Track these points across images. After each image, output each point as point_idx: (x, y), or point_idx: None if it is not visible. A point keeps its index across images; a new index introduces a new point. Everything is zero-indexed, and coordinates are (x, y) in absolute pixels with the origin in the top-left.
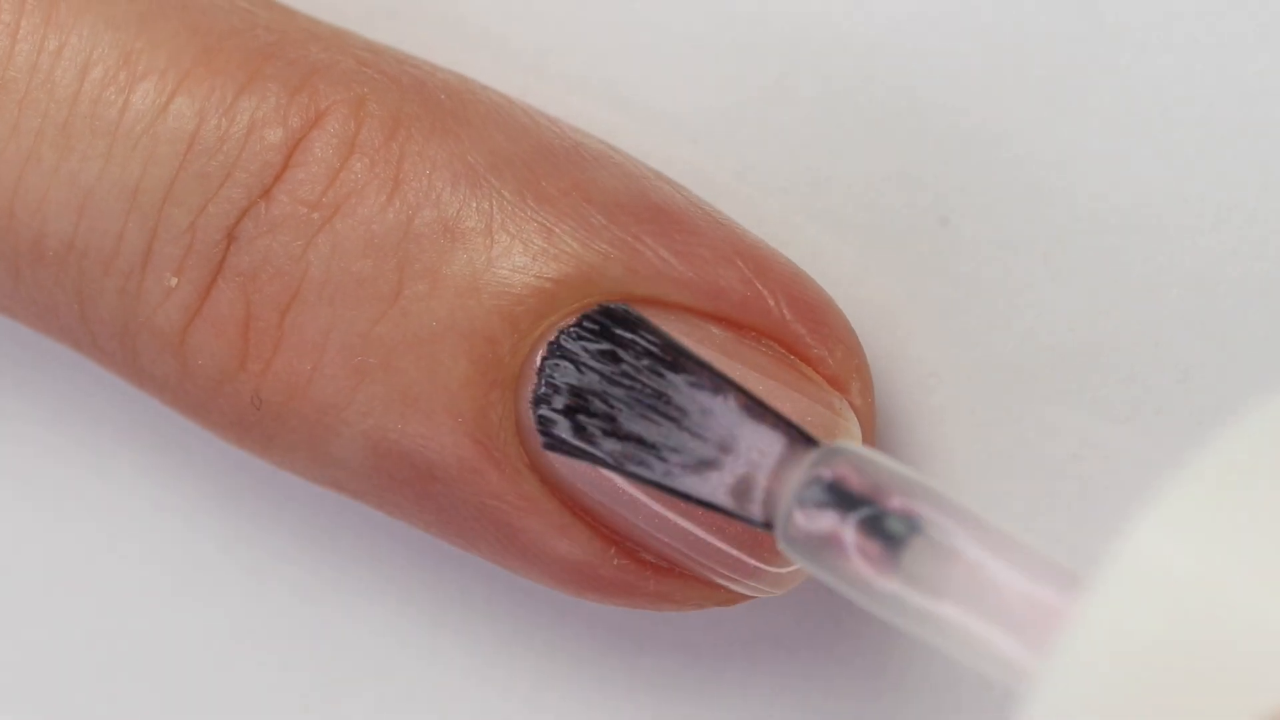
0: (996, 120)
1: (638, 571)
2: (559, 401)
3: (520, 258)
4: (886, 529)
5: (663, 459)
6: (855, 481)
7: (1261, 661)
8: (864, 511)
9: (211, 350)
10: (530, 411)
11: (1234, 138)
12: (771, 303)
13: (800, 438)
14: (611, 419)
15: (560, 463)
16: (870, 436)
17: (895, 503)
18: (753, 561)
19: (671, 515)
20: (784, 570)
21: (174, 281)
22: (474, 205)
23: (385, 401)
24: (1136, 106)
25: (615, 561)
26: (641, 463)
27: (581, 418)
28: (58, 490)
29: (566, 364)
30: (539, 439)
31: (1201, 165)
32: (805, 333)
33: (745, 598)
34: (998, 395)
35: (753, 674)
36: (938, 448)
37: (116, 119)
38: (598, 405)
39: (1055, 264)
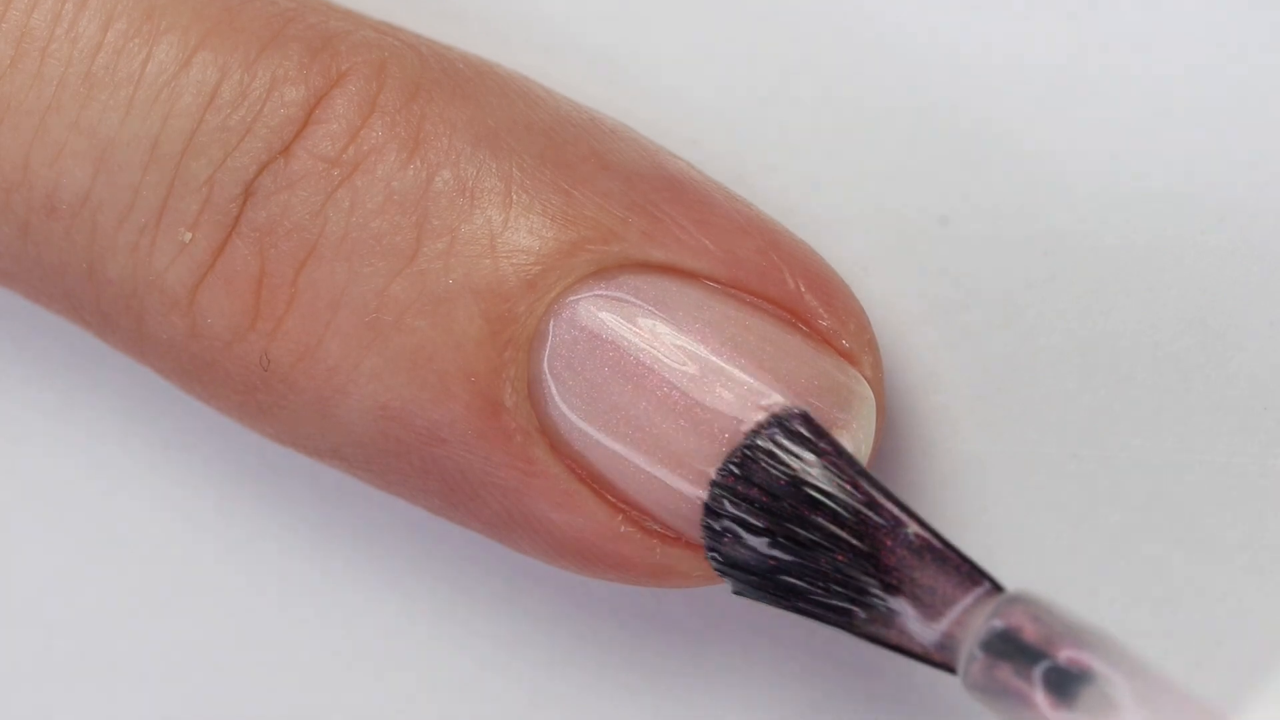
0: (996, 120)
1: (644, 540)
2: (744, 543)
3: (538, 219)
4: (1060, 680)
5: (849, 599)
6: (1032, 632)
7: None
8: (1042, 664)
9: (222, 309)
10: (708, 555)
11: (1234, 138)
12: (786, 274)
13: (984, 583)
14: (800, 559)
15: (569, 429)
16: (881, 407)
17: (1069, 654)
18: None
19: (680, 484)
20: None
21: (188, 237)
22: (494, 167)
23: (397, 361)
24: (1136, 106)
25: (622, 529)
26: (827, 605)
27: (769, 557)
28: (58, 490)
29: (745, 497)
30: (550, 406)
31: (1201, 165)
32: (818, 305)
33: None
34: (998, 395)
35: (752, 672)
36: (938, 447)
37: (139, 71)
38: (780, 542)
39: (1055, 264)
